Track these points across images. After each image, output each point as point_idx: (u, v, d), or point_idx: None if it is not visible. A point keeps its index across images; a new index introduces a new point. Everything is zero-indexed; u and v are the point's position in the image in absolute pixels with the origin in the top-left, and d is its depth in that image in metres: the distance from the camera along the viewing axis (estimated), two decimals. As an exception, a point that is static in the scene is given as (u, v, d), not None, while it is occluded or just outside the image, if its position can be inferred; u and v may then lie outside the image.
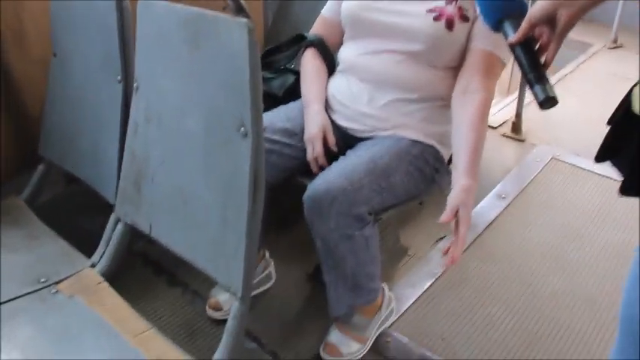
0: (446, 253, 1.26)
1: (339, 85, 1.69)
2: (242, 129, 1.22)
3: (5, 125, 1.88)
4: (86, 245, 1.73)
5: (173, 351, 1.33)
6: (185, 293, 1.93)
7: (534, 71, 1.06)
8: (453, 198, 1.32)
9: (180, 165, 1.40)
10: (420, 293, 1.92)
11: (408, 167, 1.55)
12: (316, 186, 1.45)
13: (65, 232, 1.81)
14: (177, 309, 1.88)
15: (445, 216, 1.28)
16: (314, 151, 1.58)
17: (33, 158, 1.97)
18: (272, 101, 1.80)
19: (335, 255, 1.50)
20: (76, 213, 2.04)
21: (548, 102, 1.04)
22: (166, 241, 1.46)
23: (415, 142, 1.60)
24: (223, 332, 1.78)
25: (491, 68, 1.51)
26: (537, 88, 1.05)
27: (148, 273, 2.01)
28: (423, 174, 1.59)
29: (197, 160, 1.35)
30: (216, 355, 1.30)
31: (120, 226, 1.60)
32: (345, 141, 1.64)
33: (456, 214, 1.30)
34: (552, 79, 1.91)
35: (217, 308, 1.82)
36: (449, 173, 1.63)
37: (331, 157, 1.59)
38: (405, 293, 1.92)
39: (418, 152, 1.59)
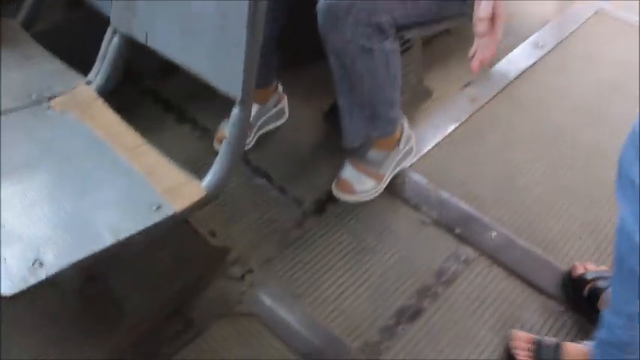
0: (472, 57, 1.09)
1: None
2: None
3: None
4: (86, 69, 1.60)
5: (167, 165, 1.22)
6: (194, 129, 1.83)
7: None
8: None
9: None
10: (442, 136, 1.79)
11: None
12: (332, -8, 1.27)
13: (64, 57, 1.68)
14: (185, 145, 1.79)
15: (482, 11, 1.09)
16: None
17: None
18: None
19: (351, 74, 1.34)
20: (76, 40, 1.90)
21: None
22: (163, 49, 1.31)
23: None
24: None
25: None
26: None
27: (157, 110, 1.92)
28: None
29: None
30: (215, 164, 1.18)
31: (116, 39, 1.44)
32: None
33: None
34: None
35: (225, 142, 1.70)
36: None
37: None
38: (426, 134, 1.79)
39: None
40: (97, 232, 1.08)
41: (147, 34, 1.34)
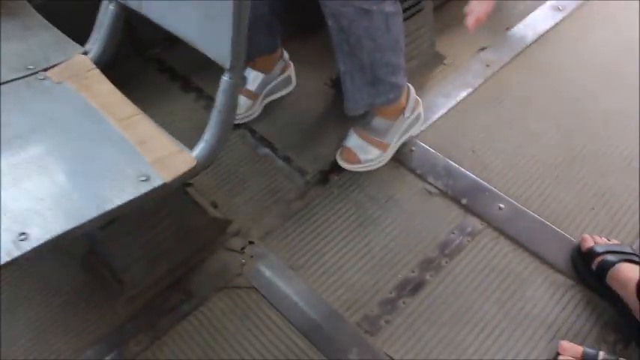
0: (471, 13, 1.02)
1: None
2: None
3: None
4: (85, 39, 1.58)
5: (159, 134, 1.19)
6: (199, 99, 1.81)
7: None
8: None
9: None
10: (453, 104, 1.72)
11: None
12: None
13: (64, 27, 1.66)
14: (190, 113, 1.78)
15: None
16: None
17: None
18: None
19: (349, 37, 1.29)
20: (76, 9, 1.88)
21: None
22: (156, 17, 1.27)
23: None
24: (236, 135, 1.69)
25: None
26: None
27: (162, 79, 1.90)
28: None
29: None
30: (206, 133, 1.15)
31: (111, 7, 1.41)
32: None
33: None
34: None
35: (229, 111, 1.66)
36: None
37: None
38: (436, 102, 1.72)
39: None
40: (84, 204, 1.06)
41: (141, 2, 1.31)
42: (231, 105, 1.13)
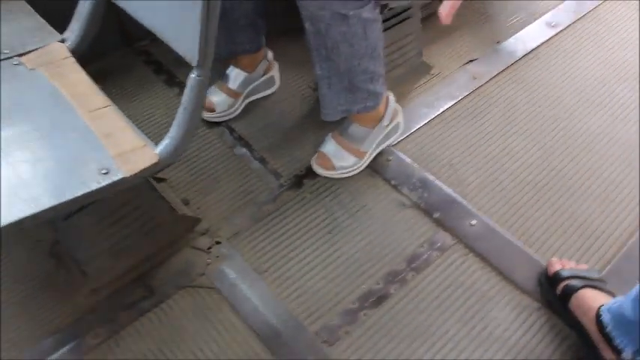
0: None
1: None
2: None
3: None
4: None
5: (126, 128, 1.17)
6: (181, 94, 1.77)
7: None
8: None
9: None
10: (434, 115, 1.70)
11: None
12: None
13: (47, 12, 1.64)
14: (171, 108, 1.76)
15: None
16: None
17: None
18: None
19: (326, 42, 1.27)
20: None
21: None
22: (130, 8, 1.25)
23: None
24: (215, 133, 1.67)
25: None
26: None
27: (147, 71, 1.89)
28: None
29: None
30: (171, 130, 1.13)
31: (90, -4, 1.40)
32: None
33: None
34: None
35: (210, 109, 1.66)
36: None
37: None
38: (418, 112, 1.70)
39: None
40: (41, 193, 1.05)
41: (117, -8, 1.29)
42: (198, 103, 1.11)
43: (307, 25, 1.26)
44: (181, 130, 1.13)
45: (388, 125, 1.52)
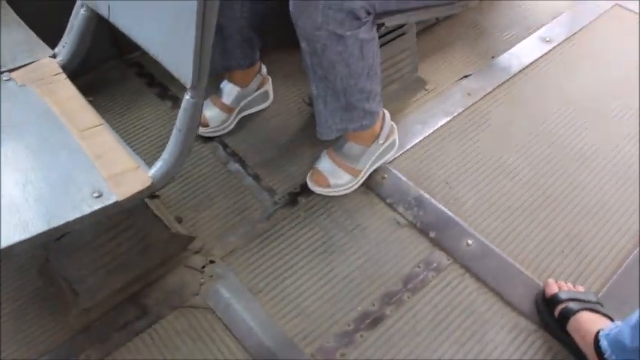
0: None
1: None
2: None
3: None
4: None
5: (118, 149, 1.15)
6: (174, 108, 1.78)
7: None
8: None
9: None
10: (430, 132, 1.69)
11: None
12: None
13: (39, 26, 1.62)
14: (163, 122, 1.75)
15: None
16: None
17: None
18: None
19: (323, 61, 1.25)
20: (53, 9, 1.84)
21: None
22: (123, 26, 1.24)
23: None
24: (208, 148, 1.65)
25: None
26: None
27: (140, 84, 1.87)
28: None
29: None
30: (164, 153, 1.11)
31: (82, 11, 1.38)
32: None
33: None
34: None
35: (204, 124, 1.64)
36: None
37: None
38: (413, 129, 1.69)
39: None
40: (33, 217, 1.02)
41: (109, 9, 1.27)
42: (192, 125, 1.09)
43: (303, 45, 1.25)
44: (175, 152, 1.11)
45: (384, 143, 1.51)
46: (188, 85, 1.04)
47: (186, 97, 1.07)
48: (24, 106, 1.28)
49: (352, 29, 1.20)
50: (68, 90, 1.33)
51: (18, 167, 1.11)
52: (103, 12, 1.30)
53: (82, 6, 1.39)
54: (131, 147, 1.37)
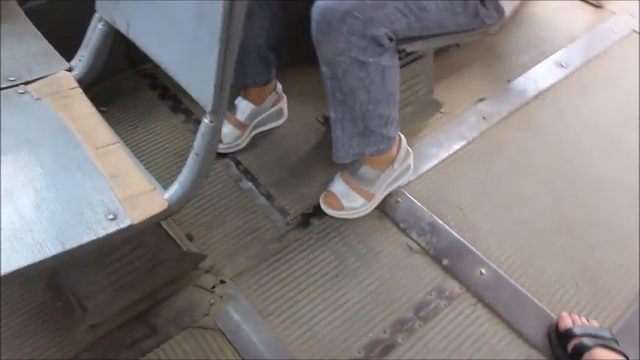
0: None
1: None
2: None
3: None
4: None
5: (133, 169, 1.14)
6: (187, 121, 1.77)
7: None
8: None
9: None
10: (445, 156, 1.68)
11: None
12: (327, -4, 1.17)
13: (56, 36, 1.61)
14: (176, 136, 1.74)
15: None
16: None
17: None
18: None
19: (343, 86, 1.24)
20: (69, 19, 1.83)
21: None
22: (142, 43, 1.23)
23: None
24: (221, 165, 1.64)
25: None
26: None
27: (153, 96, 1.86)
28: (465, 4, 1.28)
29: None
30: (181, 176, 1.10)
31: (100, 26, 1.37)
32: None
33: None
34: None
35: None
36: (498, 11, 1.32)
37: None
38: (428, 152, 1.68)
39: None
40: (46, 239, 1.01)
41: (128, 25, 1.26)
42: (210, 149, 1.08)
43: (324, 69, 1.24)
44: (192, 175, 1.10)
45: (399, 168, 1.50)
46: (208, 109, 1.03)
47: (205, 120, 1.06)
48: (39, 121, 1.26)
49: (375, 56, 1.19)
50: (83, 105, 1.32)
51: (32, 185, 1.10)
52: (122, 28, 1.29)
53: (99, 20, 1.38)
54: (143, 162, 1.37)
